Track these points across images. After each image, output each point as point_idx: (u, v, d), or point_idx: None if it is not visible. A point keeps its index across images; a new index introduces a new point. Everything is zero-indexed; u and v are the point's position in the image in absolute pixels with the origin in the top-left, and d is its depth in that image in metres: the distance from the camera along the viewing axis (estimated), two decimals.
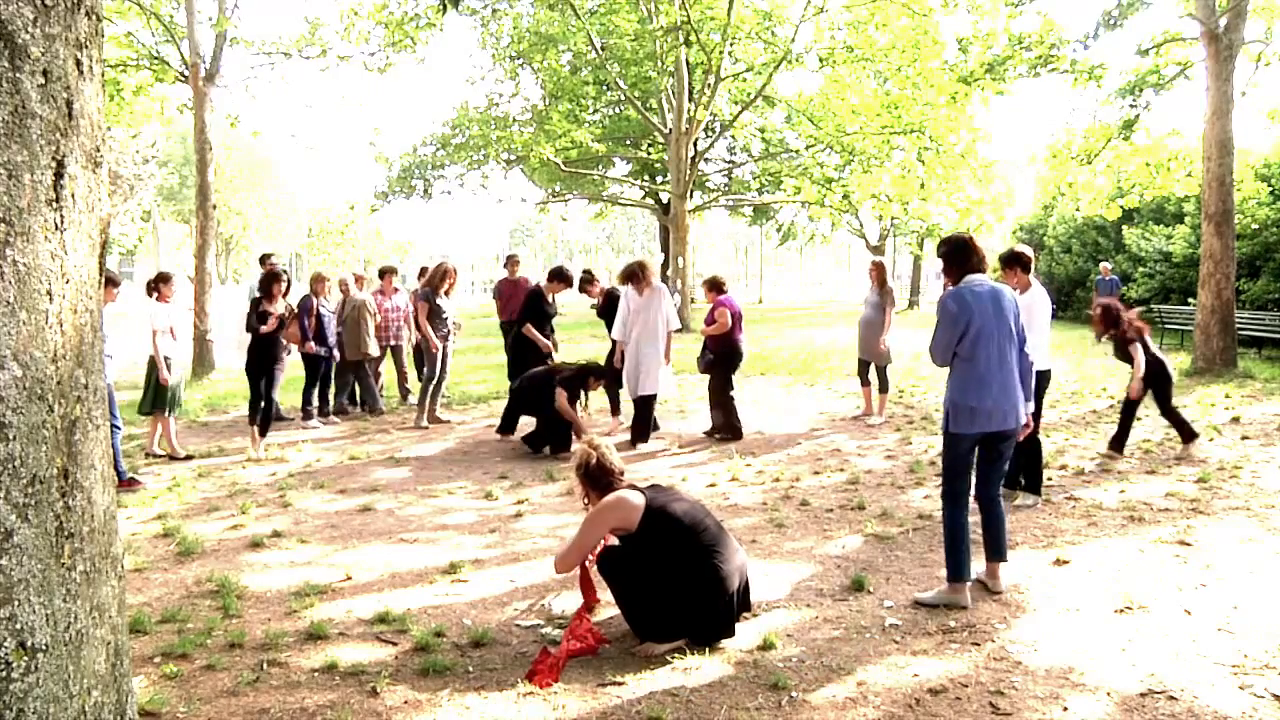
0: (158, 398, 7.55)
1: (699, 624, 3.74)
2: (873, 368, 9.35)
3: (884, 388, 9.36)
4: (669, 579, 3.71)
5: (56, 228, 1.98)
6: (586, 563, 4.01)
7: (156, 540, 5.37)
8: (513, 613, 4.20)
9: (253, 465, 7.47)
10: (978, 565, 4.46)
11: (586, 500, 4.08)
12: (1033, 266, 5.93)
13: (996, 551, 4.41)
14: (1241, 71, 12.79)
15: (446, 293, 9.27)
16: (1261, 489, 6.27)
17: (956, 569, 4.21)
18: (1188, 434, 7.45)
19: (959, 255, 4.30)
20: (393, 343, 10.47)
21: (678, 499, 3.90)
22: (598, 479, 3.96)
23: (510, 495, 6.42)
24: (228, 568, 4.83)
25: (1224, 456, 7.32)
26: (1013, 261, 5.86)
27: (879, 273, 9.18)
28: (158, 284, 7.64)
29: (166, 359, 7.45)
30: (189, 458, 7.72)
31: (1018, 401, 4.27)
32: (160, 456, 7.72)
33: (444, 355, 9.24)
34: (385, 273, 10.73)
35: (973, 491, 4.35)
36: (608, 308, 8.99)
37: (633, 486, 3.92)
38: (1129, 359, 7.33)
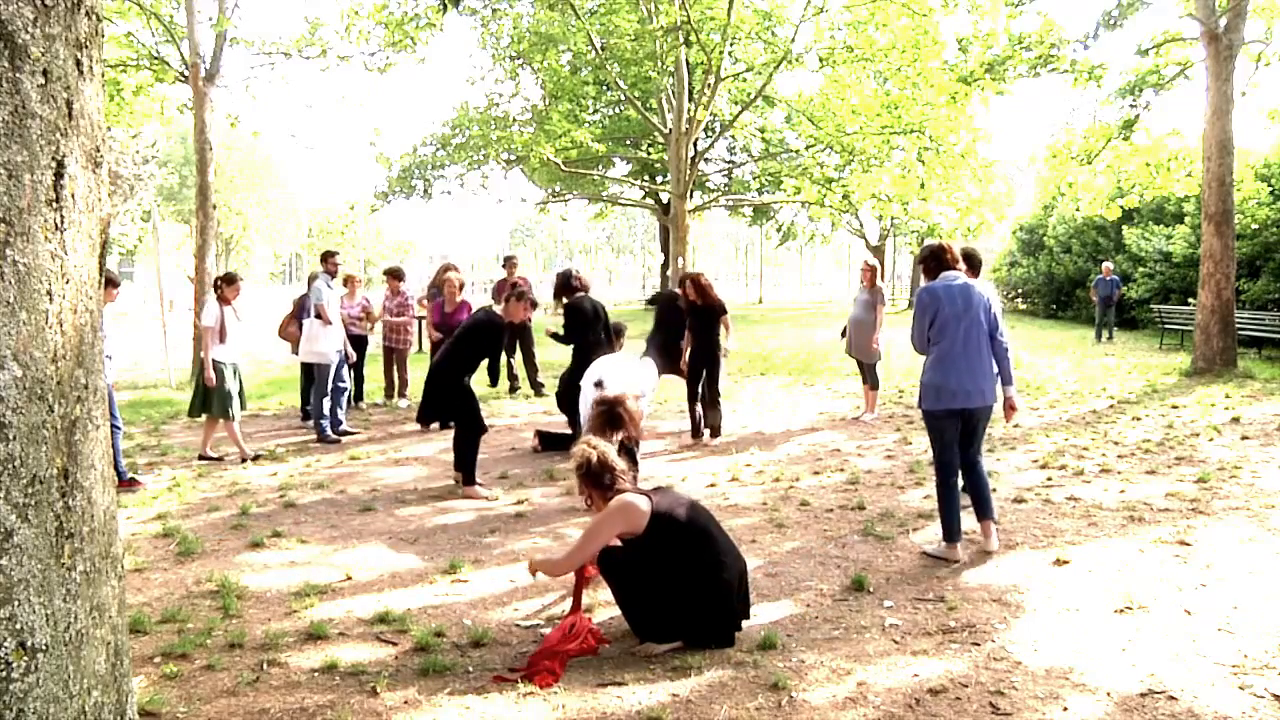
0: (206, 400, 7.44)
1: (699, 631, 3.73)
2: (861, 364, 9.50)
3: (874, 384, 9.51)
4: (671, 584, 3.70)
5: (56, 228, 1.98)
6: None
7: (156, 540, 5.37)
8: (513, 613, 4.20)
9: (253, 465, 7.45)
10: (971, 522, 5.02)
11: (588, 500, 4.06)
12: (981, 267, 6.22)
13: (984, 510, 4.93)
14: (1241, 71, 12.79)
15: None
16: (1261, 489, 6.27)
17: (949, 530, 4.81)
18: (705, 427, 8.23)
19: (934, 260, 5.01)
20: (398, 346, 10.55)
21: (680, 503, 3.87)
22: (599, 478, 3.93)
23: (510, 495, 6.42)
24: (228, 568, 4.83)
25: (1224, 456, 7.32)
26: (967, 260, 5.81)
27: (871, 274, 9.40)
28: (220, 284, 7.60)
29: (215, 362, 7.35)
30: (257, 458, 7.61)
31: (985, 383, 4.77)
32: (212, 459, 7.56)
33: None
34: (391, 274, 10.90)
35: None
36: (571, 321, 8.10)
37: (636, 489, 3.91)
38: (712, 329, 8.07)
